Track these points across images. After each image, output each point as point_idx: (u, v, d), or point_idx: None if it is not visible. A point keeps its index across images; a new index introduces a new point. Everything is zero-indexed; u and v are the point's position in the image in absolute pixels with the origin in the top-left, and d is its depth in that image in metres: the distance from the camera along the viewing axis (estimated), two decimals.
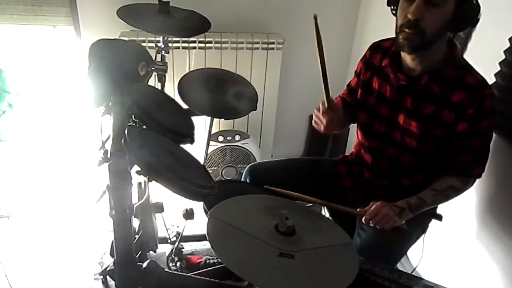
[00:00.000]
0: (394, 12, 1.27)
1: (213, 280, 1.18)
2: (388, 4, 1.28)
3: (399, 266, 1.49)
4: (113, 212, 0.91)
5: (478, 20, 1.19)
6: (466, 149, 1.29)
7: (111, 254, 1.12)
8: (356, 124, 1.56)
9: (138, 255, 1.19)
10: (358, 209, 1.31)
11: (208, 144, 1.78)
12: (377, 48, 1.44)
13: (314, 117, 1.42)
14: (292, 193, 1.35)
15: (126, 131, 0.97)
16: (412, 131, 1.34)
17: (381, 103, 1.40)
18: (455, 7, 1.16)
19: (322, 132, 1.43)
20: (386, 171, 1.47)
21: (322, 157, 1.43)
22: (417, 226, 1.43)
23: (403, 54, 1.30)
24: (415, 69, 1.30)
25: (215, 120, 1.77)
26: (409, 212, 1.28)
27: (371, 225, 1.26)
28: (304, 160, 1.84)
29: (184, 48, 2.18)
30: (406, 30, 1.19)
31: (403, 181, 1.45)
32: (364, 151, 1.52)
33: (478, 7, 1.17)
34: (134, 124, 1.21)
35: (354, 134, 1.61)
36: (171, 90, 1.93)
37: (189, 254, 1.86)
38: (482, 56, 1.48)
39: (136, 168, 0.96)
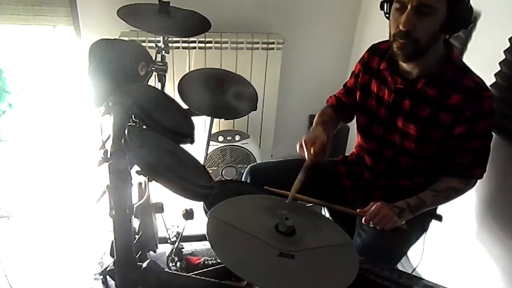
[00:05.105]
0: (387, 16, 1.26)
1: (213, 280, 1.18)
2: (381, 8, 1.27)
3: (399, 266, 1.49)
4: (113, 212, 0.91)
5: (471, 22, 1.18)
6: (465, 150, 1.28)
7: (111, 254, 1.11)
8: (356, 125, 1.56)
9: (138, 255, 1.19)
10: (358, 210, 1.31)
11: (208, 144, 1.78)
12: (375, 50, 1.43)
13: (298, 145, 1.42)
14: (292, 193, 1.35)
15: (126, 131, 0.97)
16: (410, 134, 1.34)
17: (380, 106, 1.40)
18: (447, 12, 1.15)
19: None
20: (385, 172, 1.47)
21: None
22: (417, 227, 1.43)
23: None
24: (411, 73, 1.30)
25: (215, 120, 1.77)
26: (408, 212, 1.28)
27: (371, 225, 1.26)
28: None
29: (184, 48, 2.18)
30: (399, 40, 1.19)
31: (402, 182, 1.45)
32: (364, 152, 1.52)
33: (470, 8, 1.16)
34: (134, 124, 1.21)
35: (354, 135, 1.61)
36: (171, 90, 1.94)
37: (189, 254, 1.86)
38: (482, 56, 1.48)
39: (136, 168, 0.96)
